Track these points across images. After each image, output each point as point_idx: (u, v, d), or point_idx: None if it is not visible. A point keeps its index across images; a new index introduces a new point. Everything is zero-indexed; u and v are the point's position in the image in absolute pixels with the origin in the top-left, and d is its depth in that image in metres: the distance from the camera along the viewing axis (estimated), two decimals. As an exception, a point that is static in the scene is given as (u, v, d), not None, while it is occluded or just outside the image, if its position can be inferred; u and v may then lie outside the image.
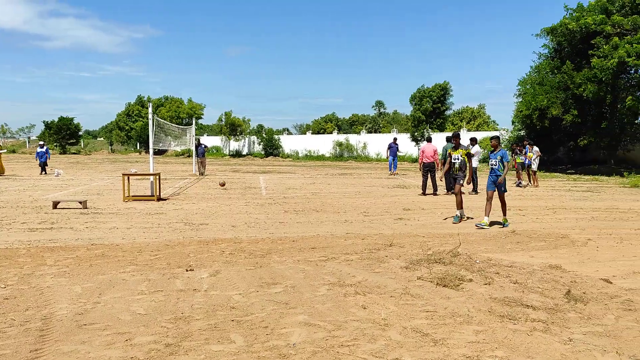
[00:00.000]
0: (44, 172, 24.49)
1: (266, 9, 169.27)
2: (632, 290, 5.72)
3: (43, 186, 18.26)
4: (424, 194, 15.99)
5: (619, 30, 24.19)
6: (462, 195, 11.19)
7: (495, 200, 10.37)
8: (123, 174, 14.47)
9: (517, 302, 5.22)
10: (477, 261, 6.95)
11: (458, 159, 11.16)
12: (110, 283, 5.94)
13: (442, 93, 40.78)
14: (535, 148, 19.76)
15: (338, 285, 5.85)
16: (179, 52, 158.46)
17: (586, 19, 25.17)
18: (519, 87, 30.32)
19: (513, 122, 32.03)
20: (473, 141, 17.65)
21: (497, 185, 10.13)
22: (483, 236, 9.11)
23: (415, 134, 38.95)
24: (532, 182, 19.48)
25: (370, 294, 5.51)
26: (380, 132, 57.64)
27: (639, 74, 26.05)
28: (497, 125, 48.26)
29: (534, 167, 19.52)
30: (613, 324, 4.61)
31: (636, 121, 27.42)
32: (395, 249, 7.94)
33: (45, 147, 25.77)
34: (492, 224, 10.25)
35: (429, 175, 16.16)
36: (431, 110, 40.44)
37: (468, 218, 11.08)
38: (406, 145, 37.63)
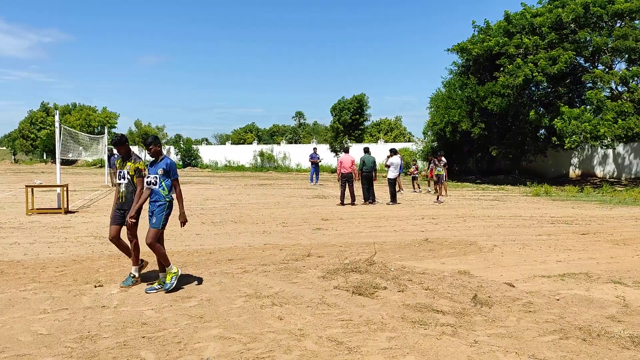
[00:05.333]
0: None
1: (182, 16, 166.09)
2: (533, 292, 6.11)
3: None
4: (342, 204, 16.25)
5: (521, 50, 26.02)
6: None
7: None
8: (26, 186, 13.53)
9: (428, 307, 5.42)
10: (392, 269, 7.15)
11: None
12: (10, 302, 5.53)
13: (359, 105, 41.85)
14: (443, 159, 20.63)
15: (255, 297, 5.79)
16: (92, 58, 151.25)
17: (489, 42, 26.89)
18: (431, 101, 31.81)
19: (424, 134, 33.46)
20: (393, 152, 18.21)
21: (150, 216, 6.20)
22: (397, 245, 9.38)
23: (335, 144, 39.61)
24: (442, 191, 20.37)
25: (287, 305, 5.50)
26: (300, 143, 58.06)
27: (540, 90, 28.16)
28: (413, 136, 50.13)
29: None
30: (515, 326, 4.90)
31: (538, 134, 29.58)
32: (313, 259, 8.00)
33: None
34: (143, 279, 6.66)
35: (347, 185, 16.45)
36: (350, 122, 41.35)
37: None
38: (326, 155, 38.13)
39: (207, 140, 63.20)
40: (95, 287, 6.17)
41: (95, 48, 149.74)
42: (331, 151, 39.83)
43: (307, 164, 31.50)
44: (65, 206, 13.45)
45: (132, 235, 6.35)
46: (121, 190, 6.51)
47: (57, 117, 14.58)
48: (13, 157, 60.31)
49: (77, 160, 45.16)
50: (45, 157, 55.40)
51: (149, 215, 6.22)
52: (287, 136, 69.78)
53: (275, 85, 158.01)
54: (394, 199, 17.03)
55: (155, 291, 5.99)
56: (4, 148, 71.33)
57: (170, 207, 6.25)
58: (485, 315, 5.20)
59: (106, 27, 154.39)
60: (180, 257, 7.97)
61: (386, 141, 44.17)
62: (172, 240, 9.49)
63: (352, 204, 16.30)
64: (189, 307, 5.40)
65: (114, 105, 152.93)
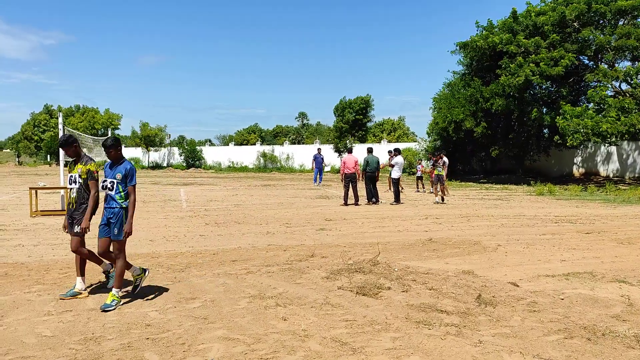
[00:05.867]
0: None
1: (181, 15, 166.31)
2: (537, 292, 6.09)
3: (-62, 201, 16.77)
4: (345, 204, 16.25)
5: (523, 50, 25.98)
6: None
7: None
8: (30, 188, 13.58)
9: (432, 307, 5.41)
10: (396, 269, 7.14)
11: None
12: (14, 304, 5.54)
13: (363, 105, 41.87)
14: (445, 159, 20.54)
15: (258, 298, 5.79)
16: (92, 59, 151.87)
17: (494, 37, 26.83)
18: (434, 102, 31.78)
19: (428, 134, 33.43)
20: (396, 152, 18.19)
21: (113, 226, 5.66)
22: (402, 245, 9.37)
23: (339, 145, 39.63)
24: (444, 191, 20.31)
25: (291, 306, 5.50)
26: (304, 144, 58.08)
27: (542, 89, 28.12)
28: (416, 136, 50.11)
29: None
30: (519, 325, 4.88)
31: (541, 133, 29.51)
32: (317, 259, 8.00)
33: None
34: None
35: (350, 185, 16.45)
36: (353, 122, 41.35)
37: None
38: (329, 156, 38.14)
39: (210, 141, 63.39)
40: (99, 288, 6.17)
41: (95, 48, 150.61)
42: (335, 151, 39.85)
43: (310, 165, 31.49)
44: (69, 208, 13.47)
45: (80, 246, 5.85)
46: (71, 196, 5.89)
47: (60, 119, 14.63)
48: (17, 159, 60.56)
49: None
50: (49, 159, 55.60)
51: (103, 224, 5.68)
52: (290, 137, 69.88)
53: (277, 86, 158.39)
54: (397, 199, 17.01)
55: (113, 308, 5.38)
56: (8, 150, 71.65)
57: (127, 212, 5.74)
58: (490, 315, 5.19)
59: (106, 28, 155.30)
60: (184, 259, 7.98)
61: (389, 141, 44.15)
62: (175, 242, 9.51)
63: (356, 204, 16.29)
64: (193, 308, 5.40)
65: (115, 106, 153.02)
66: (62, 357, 4.11)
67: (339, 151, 39.35)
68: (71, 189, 5.91)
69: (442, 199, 17.21)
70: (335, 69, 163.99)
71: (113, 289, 5.61)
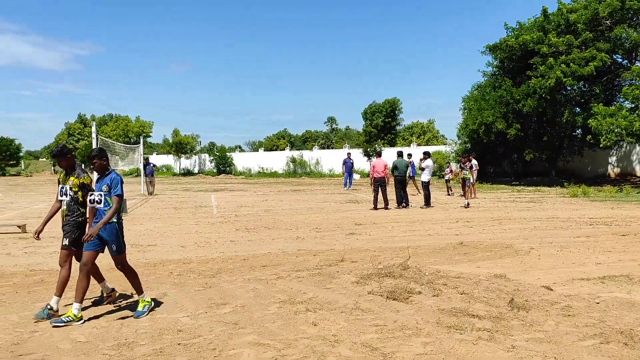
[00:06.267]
0: None
1: (208, 24, 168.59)
2: (571, 296, 5.94)
3: (-20, 210, 17.38)
4: (375, 208, 16.18)
5: (554, 50, 25.47)
6: None
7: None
8: (66, 196, 13.93)
9: (464, 312, 5.33)
10: (426, 273, 7.06)
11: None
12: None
13: (392, 109, 41.68)
14: (474, 162, 20.31)
15: (289, 303, 5.81)
16: (124, 69, 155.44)
17: (525, 36, 26.38)
18: (463, 103, 31.42)
19: (458, 136, 33.03)
20: (426, 155, 18.04)
21: (106, 241, 5.46)
22: (432, 249, 9.28)
23: (368, 149, 39.53)
24: (470, 194, 20.09)
25: (321, 311, 5.50)
26: (333, 148, 58.13)
27: (574, 89, 27.50)
28: (446, 139, 49.57)
29: (472, 179, 20.18)
30: (553, 330, 4.77)
31: (574, 133, 28.85)
32: (347, 264, 7.98)
33: None
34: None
35: (379, 189, 16.38)
36: (382, 126, 41.20)
37: None
38: (359, 160, 38.06)
39: (240, 147, 63.98)
40: (132, 295, 6.29)
41: (125, 58, 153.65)
42: (364, 155, 39.76)
43: (339, 169, 31.50)
44: (104, 215, 13.77)
45: (66, 260, 5.59)
46: (62, 209, 5.73)
47: (93, 128, 15.01)
48: (52, 168, 62.29)
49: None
50: (83, 168, 57.03)
51: (93, 240, 5.33)
52: (319, 142, 70.02)
53: (306, 91, 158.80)
54: (427, 202, 16.86)
55: (63, 324, 5.10)
56: (44, 159, 73.76)
57: (120, 226, 5.53)
58: (523, 319, 5.09)
59: (135, 37, 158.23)
60: (215, 264, 8.06)
61: (419, 144, 43.81)
62: (206, 248, 9.63)
63: (386, 208, 16.21)
64: (224, 314, 5.45)
65: (146, 113, 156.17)
66: (97, 362, 4.20)
67: (368, 155, 39.25)
68: (61, 201, 5.72)
69: (467, 203, 16.79)
70: (364, 72, 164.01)
71: (138, 296, 5.63)
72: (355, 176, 29.20)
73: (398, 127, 44.55)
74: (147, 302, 5.59)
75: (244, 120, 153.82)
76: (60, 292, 5.53)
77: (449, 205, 17.52)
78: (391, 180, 17.07)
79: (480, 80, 31.82)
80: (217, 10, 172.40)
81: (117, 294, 6.13)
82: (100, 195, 5.47)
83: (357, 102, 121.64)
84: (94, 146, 15.00)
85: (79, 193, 5.67)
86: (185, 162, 49.73)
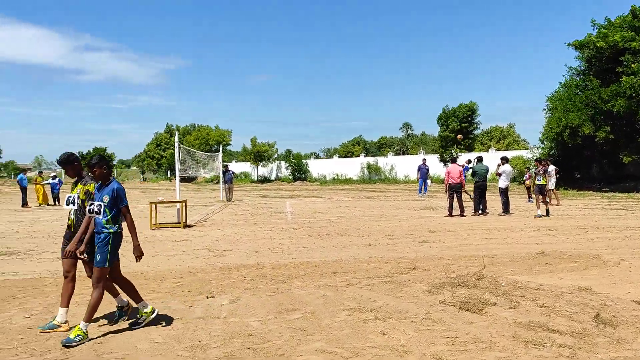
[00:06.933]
0: (57, 202, 24.94)
1: (287, 36, 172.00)
2: (666, 312, 5.46)
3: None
4: (450, 215, 15.76)
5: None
6: None
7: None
8: (150, 202, 14.71)
9: (543, 326, 5.04)
10: (503, 284, 6.77)
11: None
12: (131, 311, 5.96)
13: (468, 113, 40.56)
14: (551, 167, 19.25)
15: (358, 311, 5.75)
16: (207, 81, 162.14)
17: (614, 36, 24.80)
18: (548, 103, 29.89)
19: (541, 141, 31.49)
20: (503, 160, 17.35)
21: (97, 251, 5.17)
22: (509, 258, 8.87)
23: (444, 154, 38.67)
24: (551, 201, 19.11)
25: (391, 319, 5.40)
26: (408, 154, 57.40)
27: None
28: (528, 143, 47.48)
29: (551, 185, 19.13)
30: (644, 349, 4.40)
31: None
32: (419, 272, 7.81)
33: (57, 179, 26.29)
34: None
35: (455, 196, 15.94)
36: (458, 130, 40.18)
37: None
38: (434, 166, 37.30)
39: (315, 154, 64.77)
40: (207, 298, 6.48)
41: (209, 71, 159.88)
42: (440, 161, 38.95)
43: (414, 175, 31.02)
44: (184, 221, 14.39)
45: (69, 270, 5.40)
46: (70, 217, 5.53)
47: (176, 138, 15.71)
48: (142, 175, 65.96)
49: (196, 177, 48.28)
50: (169, 175, 59.94)
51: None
52: (394, 148, 69.40)
53: (380, 97, 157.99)
54: (506, 209, 16.19)
55: (75, 344, 4.83)
56: (134, 168, 78.22)
57: (117, 239, 5.25)
58: (609, 336, 4.73)
59: (218, 51, 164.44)
60: (286, 270, 8.16)
61: (498, 149, 42.29)
62: (279, 253, 9.77)
63: (461, 215, 15.74)
64: (293, 320, 5.49)
65: (225, 123, 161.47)
66: (171, 363, 4.35)
67: (444, 161, 38.39)
68: (69, 210, 5.54)
69: (547, 212, 15.43)
70: (439, 76, 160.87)
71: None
72: (428, 181, 28.55)
73: (476, 132, 43.24)
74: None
75: (319, 127, 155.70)
76: (66, 303, 5.33)
77: (530, 212, 16.71)
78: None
79: (567, 76, 30.16)
80: (294, 23, 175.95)
81: (130, 307, 5.77)
82: (100, 205, 5.16)
83: (433, 107, 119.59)
84: (176, 155, 15.70)
85: (86, 201, 5.40)
86: (263, 170, 50.96)
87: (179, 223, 14.35)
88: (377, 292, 6.63)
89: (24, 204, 23.25)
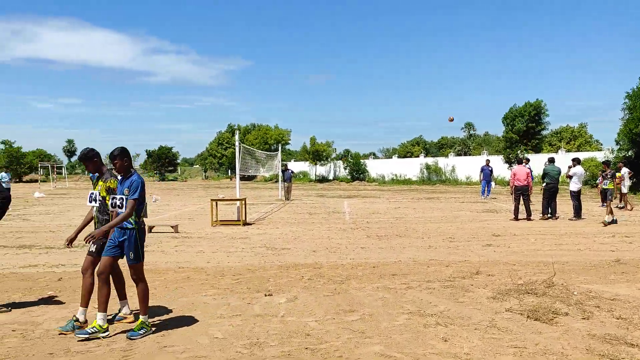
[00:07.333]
0: None
1: (345, 36, 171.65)
2: None
3: (141, 211, 19.36)
4: (516, 219, 15.14)
5: None
6: None
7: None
8: (211, 200, 15.01)
9: (620, 340, 4.68)
10: (575, 293, 6.37)
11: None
12: (193, 306, 6.05)
13: (535, 112, 39.00)
14: (624, 170, 18.15)
15: (418, 315, 5.57)
16: (266, 81, 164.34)
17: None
18: (627, 100, 28.08)
19: (617, 142, 29.72)
20: (575, 161, 16.48)
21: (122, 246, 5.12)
22: (582, 265, 8.37)
23: (509, 156, 37.35)
24: (626, 206, 18.06)
25: (453, 326, 5.18)
26: (470, 155, 55.94)
27: None
28: (601, 144, 45.06)
29: (624, 189, 18.05)
30: None
31: None
32: (482, 277, 7.49)
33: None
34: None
35: (521, 199, 15.31)
36: (525, 131, 38.72)
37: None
38: (499, 168, 36.10)
39: (374, 154, 64.32)
40: (265, 295, 6.48)
41: (270, 71, 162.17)
42: (504, 162, 37.68)
43: (477, 177, 30.15)
44: (244, 218, 14.58)
45: (88, 268, 5.31)
46: (93, 215, 5.49)
47: (237, 137, 15.95)
48: (204, 174, 67.79)
49: (256, 175, 49.06)
50: (230, 174, 61.25)
51: (112, 245, 5.08)
52: (455, 148, 67.86)
53: (442, 97, 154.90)
54: (578, 213, 15.37)
55: (87, 335, 4.88)
56: (197, 166, 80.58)
57: (141, 232, 5.18)
58: (698, 355, 4.32)
59: (279, 52, 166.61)
60: (344, 270, 8.05)
61: (568, 150, 40.39)
62: (337, 253, 9.67)
63: (528, 219, 15.08)
64: (351, 321, 5.37)
65: (285, 122, 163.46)
66: (229, 360, 4.34)
67: (509, 162, 37.09)
68: (93, 207, 5.48)
69: (610, 220, 14.12)
70: (505, 73, 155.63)
71: (140, 315, 5.11)
72: (492, 184, 27.54)
73: (544, 132, 41.50)
74: (148, 326, 5.06)
75: (378, 127, 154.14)
76: (86, 303, 5.23)
77: (604, 217, 15.80)
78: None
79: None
80: (352, 24, 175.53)
81: (132, 320, 5.47)
82: (122, 199, 5.11)
83: (497, 106, 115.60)
84: (237, 154, 15.94)
85: (107, 198, 5.32)
86: (321, 169, 51.10)
87: (238, 221, 14.55)
88: (438, 296, 6.41)
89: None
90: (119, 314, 5.55)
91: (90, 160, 5.46)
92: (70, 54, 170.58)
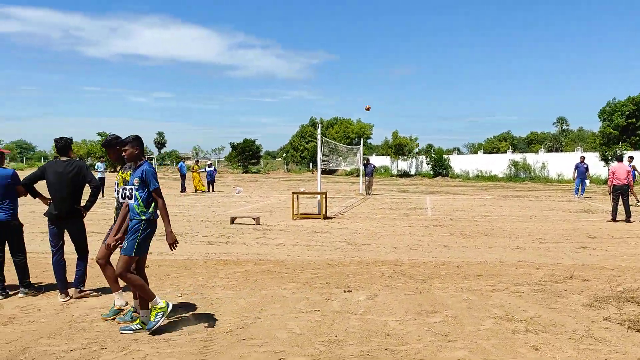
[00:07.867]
0: (211, 189, 26.83)
1: (429, 27, 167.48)
2: None
3: (226, 203, 20.02)
4: (614, 220, 14.08)
5: None
6: None
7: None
8: (293, 193, 15.18)
9: None
10: (684, 304, 5.77)
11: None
12: (272, 299, 6.10)
13: (636, 107, 36.15)
14: None
15: (506, 320, 5.27)
16: (350, 75, 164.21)
17: None
18: None
19: None
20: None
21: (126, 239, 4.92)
22: (692, 273, 7.60)
23: (606, 153, 34.92)
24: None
25: (544, 333, 4.85)
26: (562, 151, 52.90)
27: None
28: None
29: None
30: None
31: None
32: (577, 282, 6.99)
33: (212, 167, 28.30)
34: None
35: (620, 198, 14.21)
36: (624, 126, 36.03)
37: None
38: (594, 165, 33.84)
39: (458, 149, 62.44)
40: (345, 292, 6.41)
41: (353, 65, 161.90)
42: (600, 160, 35.28)
43: (569, 174, 28.42)
44: (324, 212, 14.63)
45: (102, 257, 5.29)
46: (115, 205, 5.41)
47: (319, 131, 16.01)
48: (286, 167, 69.05)
49: (337, 169, 49.26)
50: (311, 167, 61.97)
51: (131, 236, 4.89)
52: (546, 144, 64.40)
53: (532, 90, 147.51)
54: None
55: (131, 332, 4.82)
56: (279, 159, 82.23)
57: (150, 227, 4.91)
58: None
59: (363, 46, 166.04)
60: (426, 269, 7.82)
61: (673, 147, 37.10)
62: (418, 251, 9.44)
63: (628, 220, 13.98)
64: (433, 323, 5.18)
65: (368, 117, 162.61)
66: (308, 356, 4.31)
67: (605, 160, 34.67)
68: (116, 197, 5.35)
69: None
70: (602, 66, 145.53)
71: (147, 305, 4.96)
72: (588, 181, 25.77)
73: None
74: (161, 307, 4.91)
75: (463, 122, 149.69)
76: (117, 287, 5.31)
77: None
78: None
79: None
80: (435, 16, 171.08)
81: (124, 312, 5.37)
82: (131, 189, 4.87)
83: (592, 100, 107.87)
84: (318, 147, 16.01)
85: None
86: (402, 164, 50.42)
87: (319, 214, 14.62)
88: (527, 300, 6.05)
89: (183, 189, 25.50)
90: (115, 307, 5.39)
91: (112, 148, 5.33)
92: (162, 50, 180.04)
